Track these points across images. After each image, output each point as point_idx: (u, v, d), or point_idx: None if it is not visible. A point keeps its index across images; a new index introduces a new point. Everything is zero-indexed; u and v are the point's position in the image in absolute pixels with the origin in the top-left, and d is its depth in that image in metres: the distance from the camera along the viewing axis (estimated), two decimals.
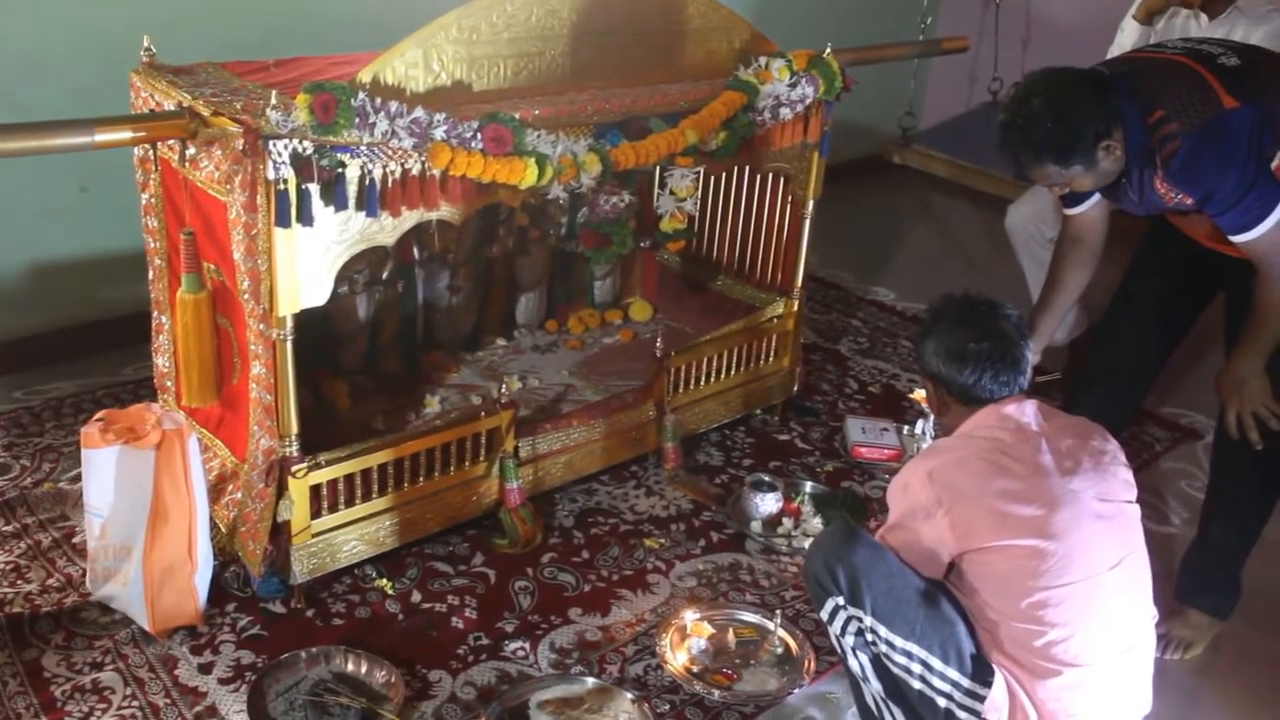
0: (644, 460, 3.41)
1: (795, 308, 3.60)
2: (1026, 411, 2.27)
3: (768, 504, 3.19)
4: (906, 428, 3.62)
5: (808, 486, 3.35)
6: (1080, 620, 2.13)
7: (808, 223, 3.51)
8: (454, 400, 3.32)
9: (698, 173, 3.23)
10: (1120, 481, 2.25)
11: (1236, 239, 2.55)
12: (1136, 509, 2.27)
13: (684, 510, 3.25)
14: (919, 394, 3.24)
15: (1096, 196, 2.82)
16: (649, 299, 3.96)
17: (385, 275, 3.30)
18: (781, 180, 3.53)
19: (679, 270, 3.96)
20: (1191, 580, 2.97)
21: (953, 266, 5.21)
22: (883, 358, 4.30)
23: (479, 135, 2.50)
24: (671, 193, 3.00)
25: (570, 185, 2.67)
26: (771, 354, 3.61)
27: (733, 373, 3.51)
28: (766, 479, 3.26)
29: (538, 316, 3.78)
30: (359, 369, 3.34)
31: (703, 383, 3.44)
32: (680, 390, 3.38)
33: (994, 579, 2.18)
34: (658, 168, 3.29)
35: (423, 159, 2.48)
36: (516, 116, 2.57)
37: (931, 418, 3.24)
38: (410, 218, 2.56)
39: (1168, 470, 3.74)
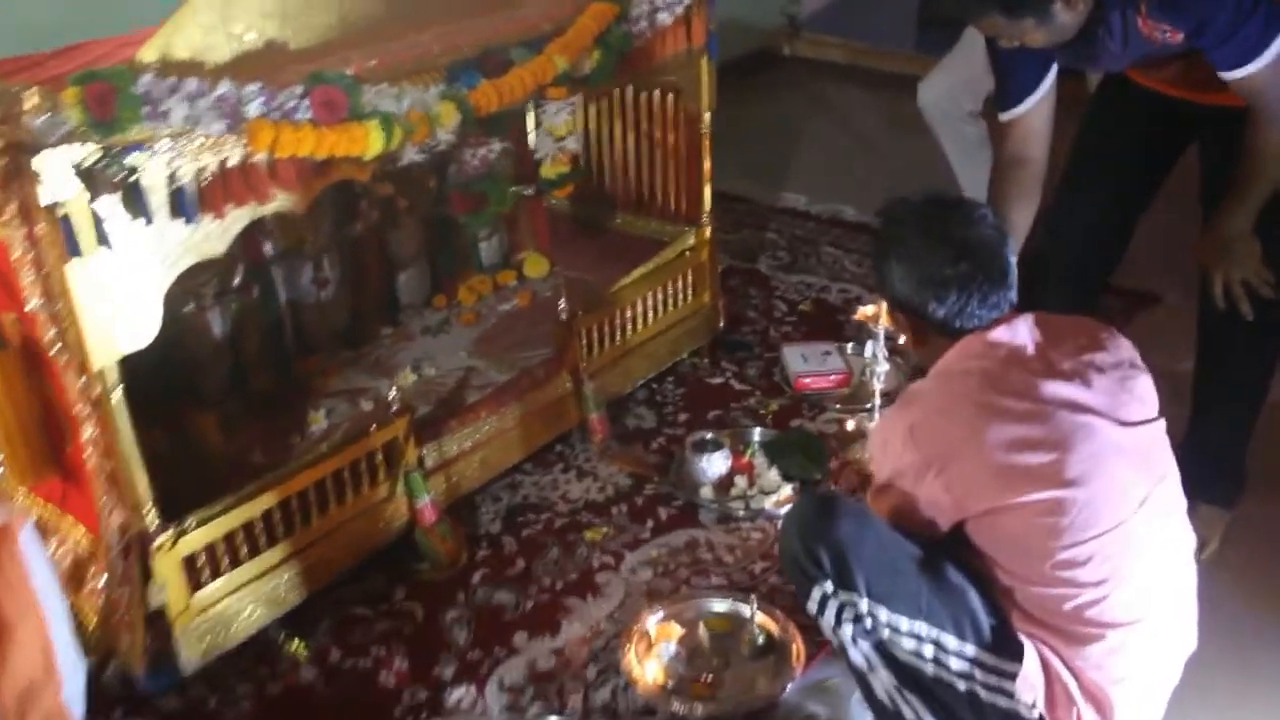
0: (568, 438, 3.00)
1: (706, 236, 3.21)
2: (1019, 331, 1.89)
3: (715, 465, 2.81)
4: (851, 345, 3.26)
5: (756, 434, 2.97)
6: (1115, 575, 1.79)
7: (706, 138, 3.10)
8: (343, 410, 2.87)
9: (574, 104, 2.78)
10: (1138, 398, 1.90)
11: (1232, 75, 2.19)
12: (1160, 425, 1.93)
13: (623, 488, 2.86)
14: (864, 311, 2.87)
15: (1042, 91, 2.47)
16: (543, 252, 3.49)
17: (236, 282, 2.82)
18: (671, 96, 3.11)
19: (571, 214, 3.52)
20: (1194, 472, 2.62)
21: (863, 157, 4.83)
22: (807, 270, 3.92)
23: (305, 102, 2.04)
24: (548, 132, 2.57)
25: (427, 144, 2.22)
26: (689, 291, 3.22)
27: (650, 321, 3.12)
28: (709, 436, 2.89)
29: (422, 293, 3.32)
30: (226, 394, 2.88)
31: (619, 338, 3.04)
32: (595, 352, 2.97)
33: (1007, 542, 1.83)
34: (530, 105, 2.84)
35: (241, 143, 2.02)
36: (349, 73, 2.12)
37: (881, 337, 2.86)
38: (240, 216, 2.10)
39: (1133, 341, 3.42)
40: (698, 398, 3.21)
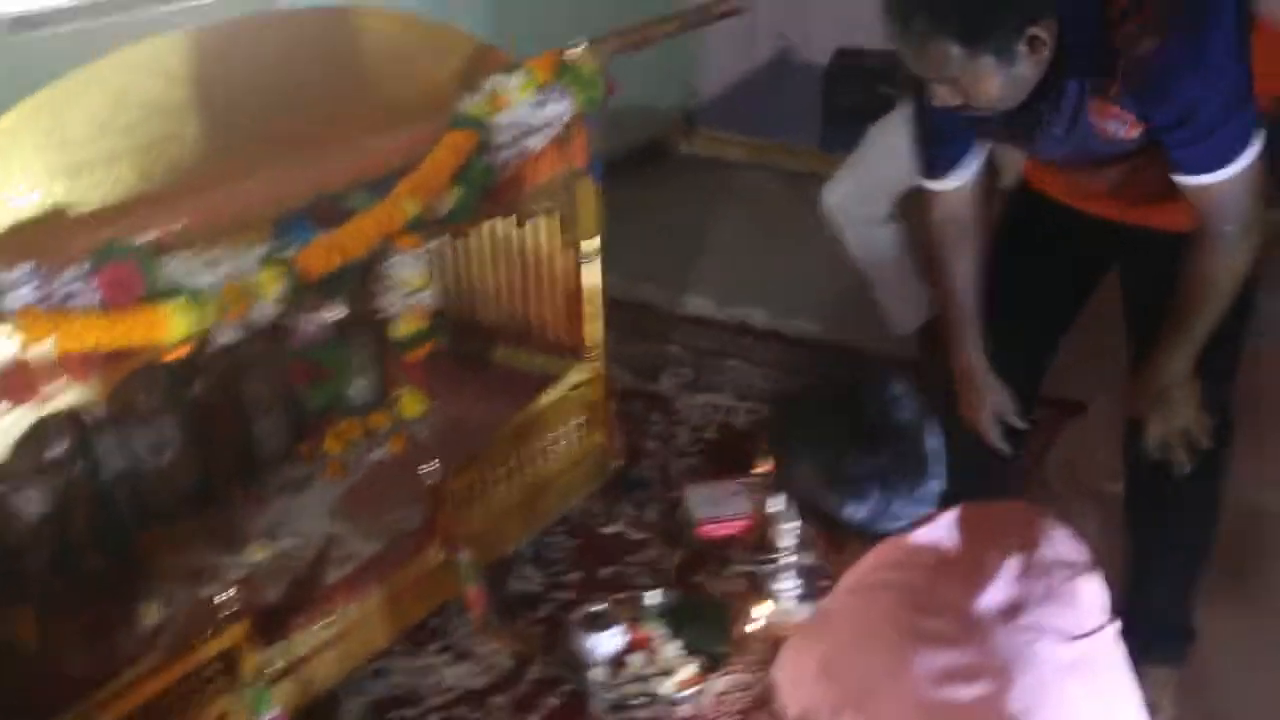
0: (445, 609, 2.66)
1: (597, 370, 2.91)
2: (944, 530, 1.61)
3: (606, 644, 2.49)
4: (756, 483, 2.96)
5: (653, 597, 2.65)
6: None
7: (597, 267, 2.81)
8: (182, 598, 2.50)
9: (429, 252, 2.44)
10: (1085, 604, 1.61)
11: (1196, 181, 1.94)
12: (1113, 631, 1.65)
13: (505, 671, 2.54)
14: (765, 462, 2.58)
15: (972, 168, 2.20)
16: (419, 387, 3.16)
17: (56, 454, 2.46)
18: (550, 225, 2.82)
19: (449, 347, 3.19)
20: (1138, 633, 2.35)
21: (775, 255, 4.52)
22: (713, 388, 3.62)
23: (91, 283, 1.71)
24: (398, 285, 2.24)
25: (247, 321, 1.89)
26: (580, 433, 2.90)
27: (535, 471, 2.79)
28: (599, 609, 2.56)
29: (283, 444, 2.94)
30: (47, 583, 2.49)
31: (498, 494, 2.71)
32: (472, 511, 2.64)
33: None
34: None
35: (12, 337, 1.69)
36: (149, 240, 1.80)
37: None
38: (18, 419, 1.76)
39: (1061, 463, 3.19)
40: (591, 551, 2.90)
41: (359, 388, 3.08)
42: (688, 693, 2.42)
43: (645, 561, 2.85)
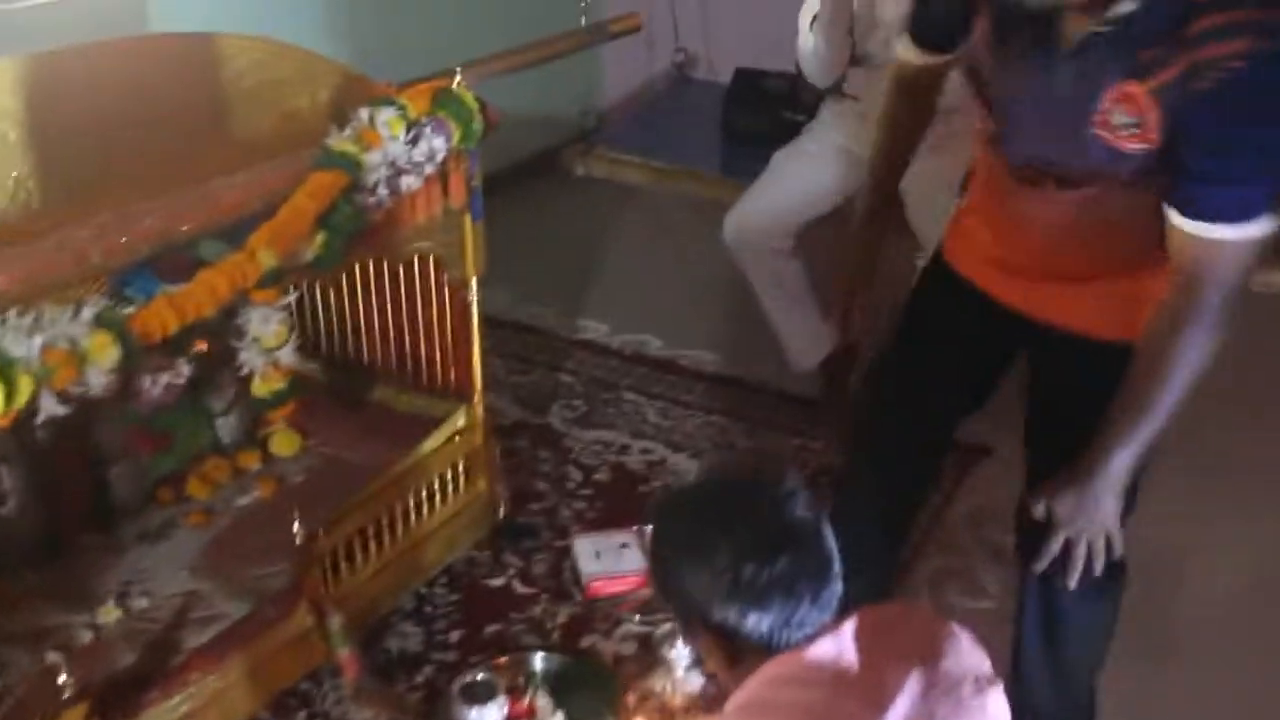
0: (317, 673, 2.48)
1: (479, 416, 2.74)
2: (845, 643, 1.48)
3: (487, 717, 2.32)
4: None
5: (538, 662, 2.50)
6: None
7: (475, 309, 2.64)
8: (22, 662, 2.29)
9: (289, 308, 2.26)
10: (989, 717, 1.50)
11: (1212, 233, 1.66)
12: None
13: None
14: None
15: (954, 52, 2.00)
16: (294, 424, 2.96)
17: None
18: (430, 262, 2.64)
19: (325, 382, 3.00)
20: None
21: (673, 281, 4.35)
22: (604, 424, 3.46)
23: None
24: (255, 341, 2.05)
25: (74, 390, 1.69)
26: (461, 480, 2.74)
27: (414, 523, 2.63)
28: (480, 677, 2.39)
29: (141, 489, 2.73)
30: None
31: (374, 549, 2.54)
32: (344, 569, 2.47)
33: None
34: None
35: None
36: None
37: None
38: None
39: (964, 513, 3.08)
40: (474, 607, 2.73)
41: (226, 425, 2.88)
42: None
43: (531, 619, 2.69)
